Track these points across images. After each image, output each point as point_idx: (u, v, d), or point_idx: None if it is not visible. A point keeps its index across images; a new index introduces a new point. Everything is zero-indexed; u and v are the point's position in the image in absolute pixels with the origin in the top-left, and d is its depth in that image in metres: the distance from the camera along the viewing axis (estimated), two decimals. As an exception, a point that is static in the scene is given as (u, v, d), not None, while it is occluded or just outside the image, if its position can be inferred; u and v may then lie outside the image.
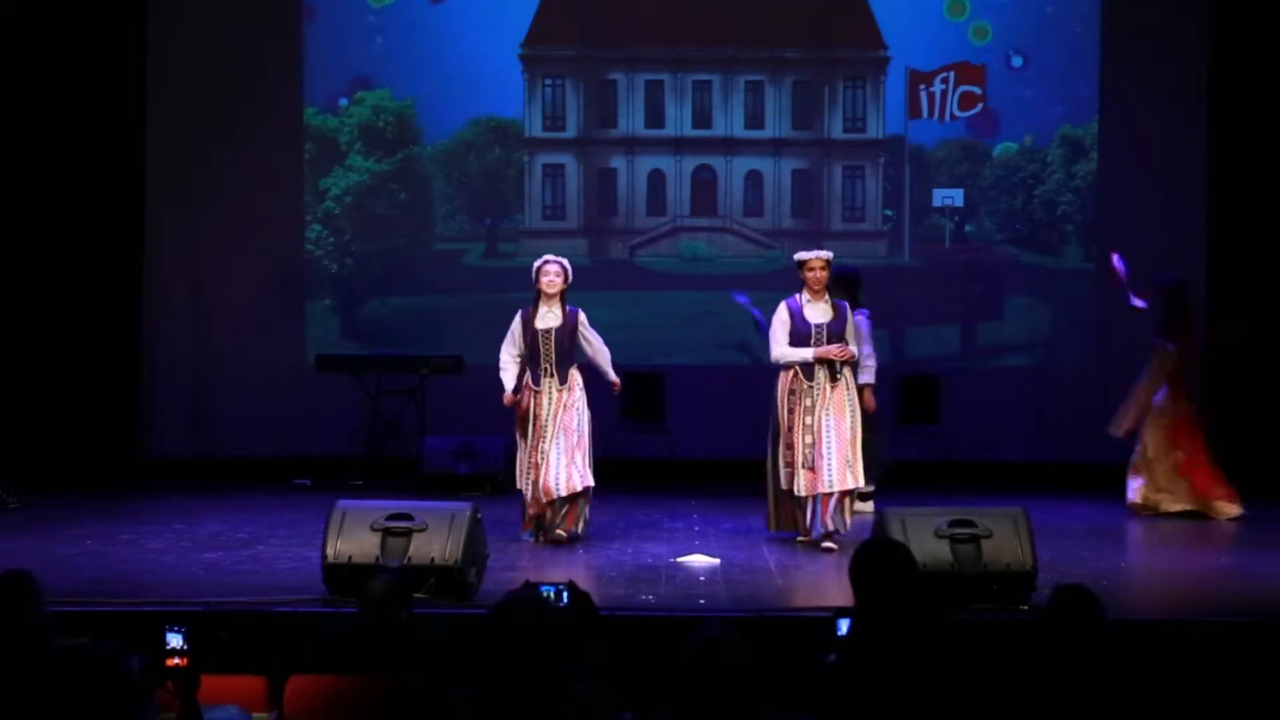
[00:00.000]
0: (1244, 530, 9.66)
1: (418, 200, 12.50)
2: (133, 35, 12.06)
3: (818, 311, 8.74)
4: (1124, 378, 10.88)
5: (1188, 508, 9.87)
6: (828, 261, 8.78)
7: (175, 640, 4.70)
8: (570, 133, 12.54)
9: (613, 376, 9.06)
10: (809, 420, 8.59)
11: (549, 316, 8.81)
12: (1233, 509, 9.86)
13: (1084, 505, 10.42)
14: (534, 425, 8.73)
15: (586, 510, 8.88)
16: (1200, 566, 8.37)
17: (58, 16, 11.83)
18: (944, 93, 12.35)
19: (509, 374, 8.84)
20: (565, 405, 8.74)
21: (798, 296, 8.83)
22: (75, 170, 11.84)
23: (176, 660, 4.66)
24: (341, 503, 7.31)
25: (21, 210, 11.78)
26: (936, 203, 12.45)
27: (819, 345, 8.64)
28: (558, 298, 8.82)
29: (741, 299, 11.24)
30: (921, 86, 12.36)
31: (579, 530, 8.84)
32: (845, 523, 8.64)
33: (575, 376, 8.82)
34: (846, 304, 8.91)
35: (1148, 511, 9.92)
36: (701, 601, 7.20)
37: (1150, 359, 10.08)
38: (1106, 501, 10.42)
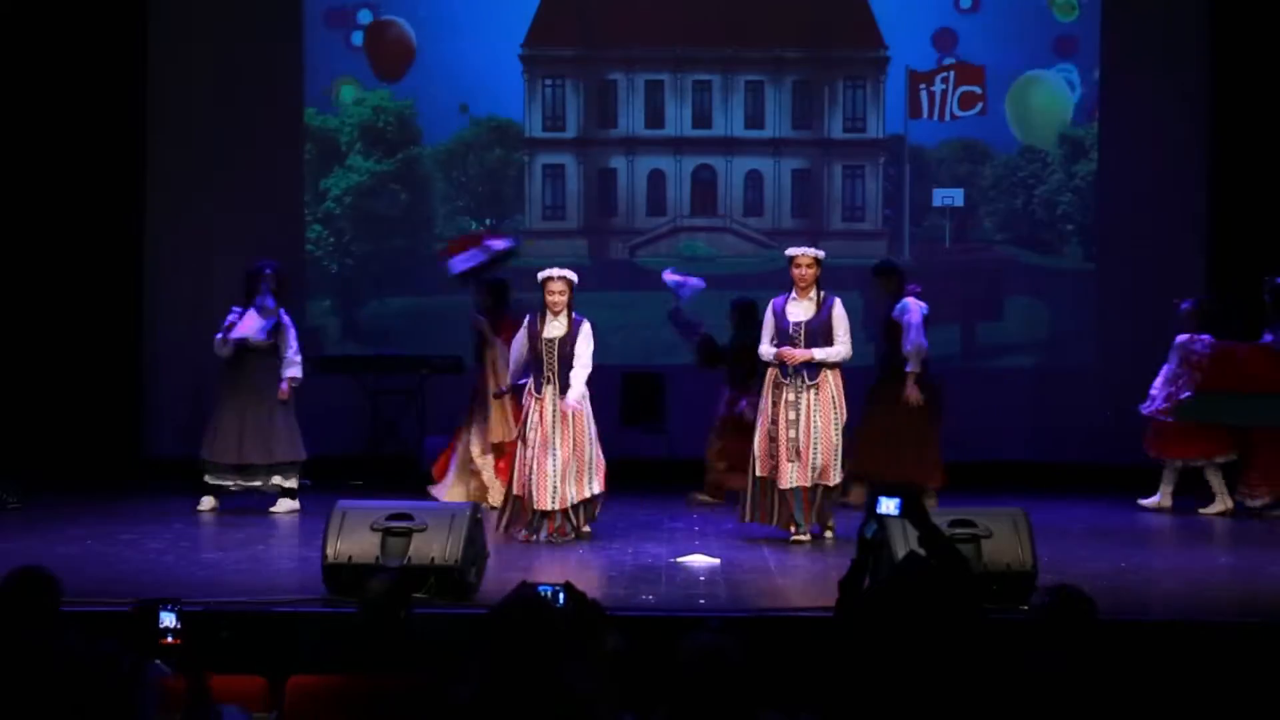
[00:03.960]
0: (1244, 530, 9.66)
1: (418, 200, 12.50)
2: (133, 35, 12.06)
3: (800, 309, 8.83)
4: (1124, 377, 10.91)
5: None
6: (816, 259, 8.85)
7: (169, 619, 4.68)
8: (570, 133, 12.55)
9: (570, 398, 8.75)
10: (792, 415, 8.71)
11: (555, 326, 8.85)
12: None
13: (1084, 505, 10.42)
14: (536, 432, 8.76)
15: (594, 511, 8.96)
16: (1200, 566, 8.37)
17: (58, 16, 11.83)
18: (944, 93, 12.35)
19: (513, 369, 9.04)
20: (565, 416, 8.75)
21: (786, 295, 8.92)
22: (75, 171, 11.83)
23: (170, 640, 4.65)
24: (341, 503, 7.31)
25: (22, 211, 11.77)
26: (936, 203, 12.45)
27: (795, 343, 8.77)
28: (565, 310, 8.87)
29: (673, 280, 10.91)
30: (921, 86, 12.37)
31: (584, 529, 8.90)
32: (827, 519, 8.82)
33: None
34: (834, 300, 8.91)
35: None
36: (701, 601, 7.19)
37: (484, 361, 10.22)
38: (1107, 501, 10.43)
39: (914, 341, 9.94)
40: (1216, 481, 10.19)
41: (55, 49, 11.81)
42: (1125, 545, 9.03)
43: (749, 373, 10.27)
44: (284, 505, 10.05)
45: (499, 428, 10.10)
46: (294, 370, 10.06)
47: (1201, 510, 10.15)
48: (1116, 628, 6.50)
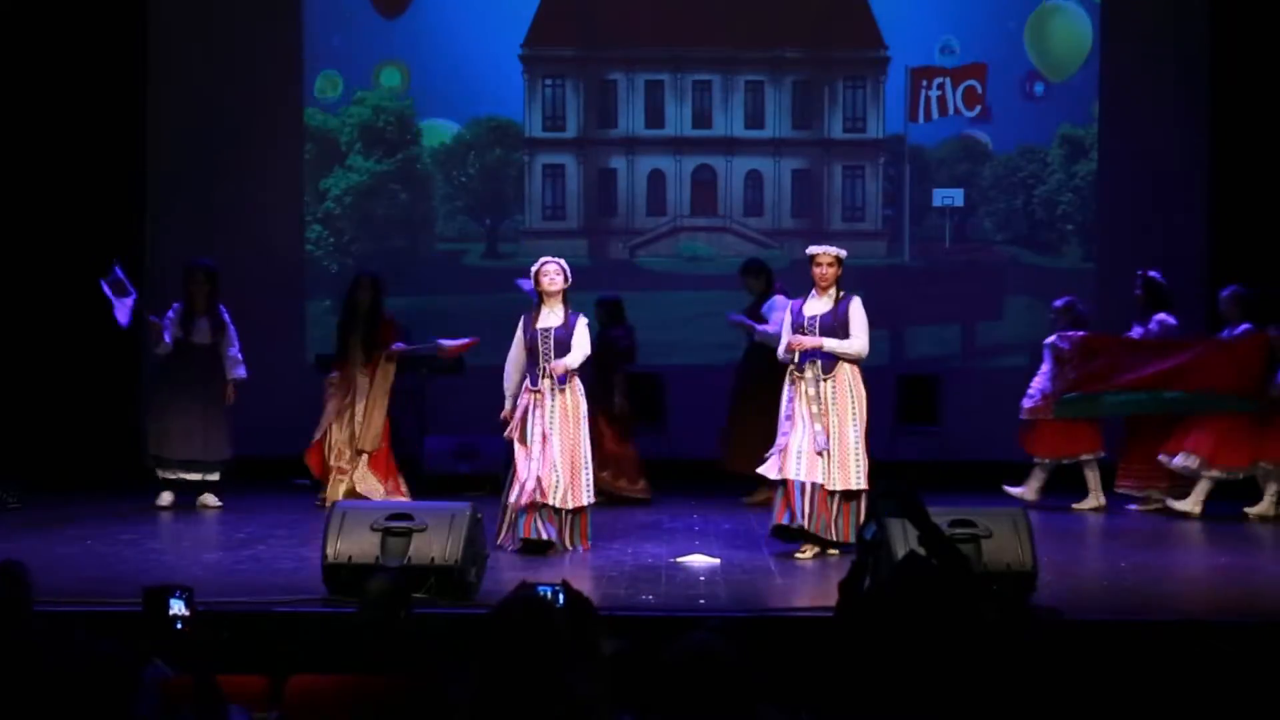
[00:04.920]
0: (1245, 530, 9.66)
1: (418, 200, 12.50)
2: (133, 35, 12.06)
3: (817, 305, 8.62)
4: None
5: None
6: (837, 258, 8.61)
7: (178, 607, 4.68)
8: (570, 133, 12.55)
9: (564, 361, 8.51)
10: (816, 408, 8.35)
11: (550, 316, 8.66)
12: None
13: (1084, 505, 10.43)
14: (531, 428, 8.53)
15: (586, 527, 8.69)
16: (1200, 566, 8.37)
17: (58, 16, 11.82)
18: (941, 96, 12.35)
19: (511, 384, 8.68)
20: (566, 413, 8.55)
21: (806, 295, 8.74)
22: (75, 171, 11.83)
23: (181, 627, 4.66)
24: (341, 503, 7.32)
25: (21, 212, 11.77)
26: (936, 203, 12.46)
27: (808, 335, 8.51)
28: (559, 298, 8.70)
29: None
30: (922, 86, 12.36)
31: (586, 544, 8.64)
32: (845, 529, 8.38)
33: (576, 382, 8.60)
34: (852, 298, 8.71)
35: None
36: (701, 601, 7.19)
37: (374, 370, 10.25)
38: (1107, 501, 10.42)
39: (774, 334, 9.66)
40: (1092, 478, 10.36)
41: (56, 48, 11.81)
42: (1125, 545, 9.03)
43: (604, 370, 10.40)
44: (210, 500, 10.27)
45: (367, 436, 10.15)
46: (239, 371, 10.28)
47: (1074, 506, 10.33)
48: (1117, 628, 6.51)
